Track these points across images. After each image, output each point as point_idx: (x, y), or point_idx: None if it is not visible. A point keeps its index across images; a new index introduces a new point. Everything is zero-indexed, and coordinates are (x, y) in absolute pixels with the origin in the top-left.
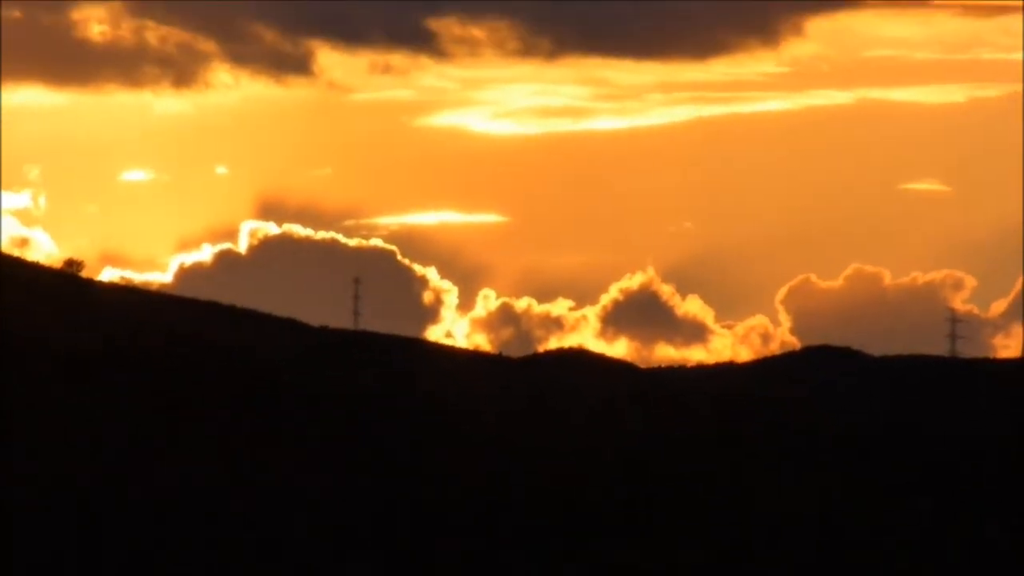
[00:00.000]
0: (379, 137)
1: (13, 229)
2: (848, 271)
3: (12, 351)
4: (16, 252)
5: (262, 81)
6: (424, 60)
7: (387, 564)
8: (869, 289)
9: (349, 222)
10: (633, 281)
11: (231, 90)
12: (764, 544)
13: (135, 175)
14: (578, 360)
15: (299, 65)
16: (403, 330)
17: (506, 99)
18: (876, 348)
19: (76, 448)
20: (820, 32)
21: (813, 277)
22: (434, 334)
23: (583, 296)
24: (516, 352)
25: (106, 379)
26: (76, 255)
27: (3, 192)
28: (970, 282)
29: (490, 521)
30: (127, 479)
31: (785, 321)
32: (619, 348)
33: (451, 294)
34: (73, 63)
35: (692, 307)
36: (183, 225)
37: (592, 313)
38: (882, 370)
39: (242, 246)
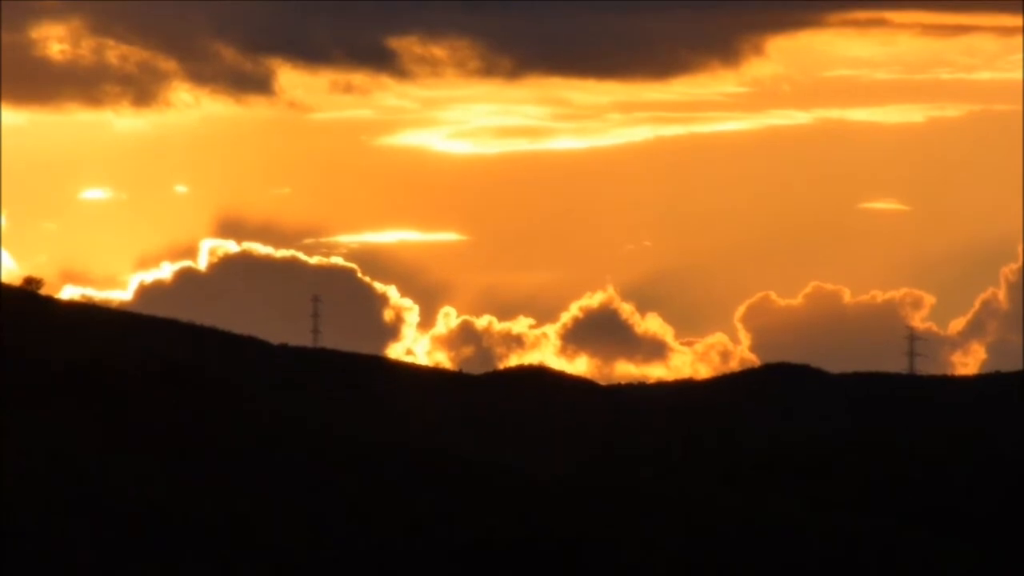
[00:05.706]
0: (339, 156)
1: None
2: (807, 289)
3: None
4: None
5: (222, 100)
6: (385, 79)
7: None
8: (828, 307)
9: (309, 240)
10: (593, 299)
11: (191, 109)
12: (725, 559)
13: (95, 193)
14: (539, 377)
15: (259, 84)
16: (364, 348)
17: (466, 118)
18: (835, 365)
19: (33, 464)
20: (781, 52)
21: (772, 295)
22: (395, 352)
23: (543, 314)
24: (477, 369)
25: (66, 396)
26: (36, 273)
27: None
28: (929, 300)
29: (449, 538)
30: (85, 497)
31: (744, 339)
32: (579, 365)
33: (412, 312)
34: (33, 82)
35: (652, 325)
36: (143, 243)
37: (552, 331)
38: (841, 387)
39: (202, 264)
